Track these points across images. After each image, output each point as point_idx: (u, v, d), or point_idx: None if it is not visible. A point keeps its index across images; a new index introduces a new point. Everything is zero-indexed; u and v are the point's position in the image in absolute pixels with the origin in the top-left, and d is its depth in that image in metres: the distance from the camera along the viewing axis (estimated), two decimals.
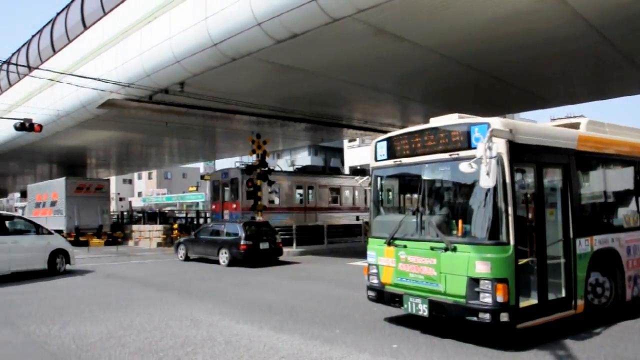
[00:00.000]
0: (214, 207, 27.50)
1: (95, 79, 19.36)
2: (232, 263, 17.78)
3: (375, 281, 8.39)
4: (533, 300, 7.11)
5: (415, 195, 8.18)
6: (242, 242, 17.75)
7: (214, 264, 18.34)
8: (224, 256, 18.12)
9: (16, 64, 28.85)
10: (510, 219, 6.74)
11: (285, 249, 19.79)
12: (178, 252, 20.36)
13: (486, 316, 6.68)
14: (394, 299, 7.97)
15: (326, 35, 13.98)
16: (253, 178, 23.92)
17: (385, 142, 8.57)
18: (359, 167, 38.89)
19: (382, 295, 8.24)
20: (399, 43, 14.94)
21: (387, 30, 14.15)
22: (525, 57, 16.22)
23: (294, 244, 22.50)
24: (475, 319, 6.80)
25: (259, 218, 23.01)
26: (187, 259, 19.82)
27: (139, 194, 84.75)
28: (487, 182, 6.39)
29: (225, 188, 26.81)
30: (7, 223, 15.15)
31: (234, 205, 25.70)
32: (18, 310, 10.33)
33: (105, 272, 16.36)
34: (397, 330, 8.07)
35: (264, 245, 18.22)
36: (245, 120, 23.96)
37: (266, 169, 24.30)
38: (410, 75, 18.66)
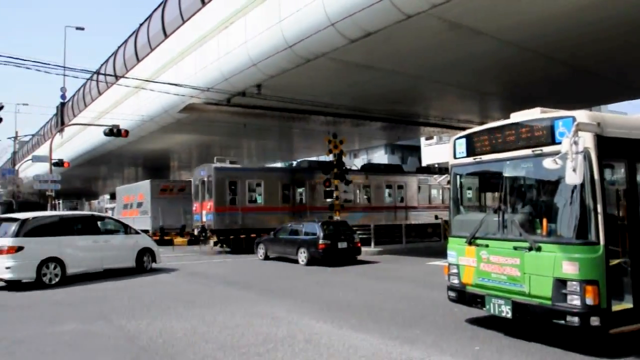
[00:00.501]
0: (194, 207, 25.64)
1: (176, 84, 20.14)
2: (310, 262, 17.95)
3: (455, 281, 8.21)
4: (627, 305, 6.65)
5: (497, 193, 7.93)
6: (321, 241, 17.89)
7: (293, 263, 18.59)
8: (302, 255, 18.33)
9: (104, 74, 30.52)
10: (600, 217, 6.38)
11: (363, 248, 19.74)
12: (258, 251, 20.80)
13: (574, 319, 6.36)
14: (476, 300, 7.77)
15: (400, 32, 13.84)
16: (330, 178, 24.04)
17: (464, 139, 8.36)
18: (436, 165, 38.00)
19: (463, 296, 8.05)
20: (475, 37, 14.57)
21: (463, 25, 13.83)
22: (613, 46, 15.36)
23: (372, 243, 22.41)
24: (562, 322, 6.48)
25: (336, 217, 23.12)
26: (266, 258, 20.21)
27: None
28: (573, 178, 6.09)
29: (203, 187, 25.01)
30: (99, 224, 16.03)
31: (208, 205, 24.34)
32: (110, 305, 10.92)
33: (189, 271, 16.96)
34: (479, 332, 7.85)
35: (342, 245, 18.28)
36: (321, 121, 24.14)
37: (342, 168, 24.34)
38: (487, 70, 18.14)
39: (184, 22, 22.09)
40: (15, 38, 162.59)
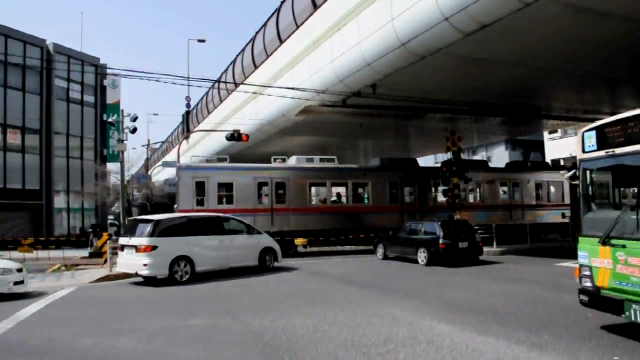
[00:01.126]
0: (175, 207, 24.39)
1: (292, 88, 20.68)
2: (430, 262, 17.66)
3: (588, 284, 7.65)
4: None
5: (633, 189, 7.29)
6: (441, 240, 17.56)
7: (412, 262, 18.39)
8: (422, 255, 18.08)
9: (225, 82, 32.06)
10: None
11: (485, 248, 19.09)
12: (377, 251, 20.81)
13: None
14: (612, 305, 7.18)
15: (518, 21, 13.20)
16: (448, 176, 23.48)
17: (594, 132, 7.77)
18: (562, 160, 35.76)
19: (597, 300, 7.48)
20: (602, 19, 13.51)
21: (588, 7, 12.87)
22: None
23: (494, 243, 21.59)
24: None
25: (457, 216, 22.55)
26: (385, 257, 20.16)
27: None
28: None
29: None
30: (224, 224, 16.87)
31: (175, 206, 23.44)
32: (236, 301, 11.45)
33: (309, 270, 17.34)
34: (618, 341, 7.25)
35: (462, 244, 17.81)
36: (437, 118, 23.66)
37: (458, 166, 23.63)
38: (617, 55, 16.77)
39: (297, 27, 22.61)
40: (142, 52, 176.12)
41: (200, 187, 22.40)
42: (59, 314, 10.87)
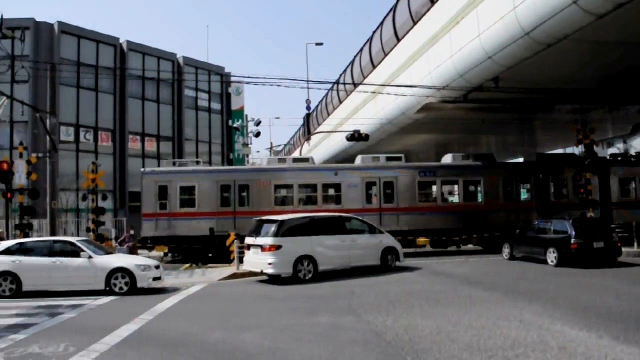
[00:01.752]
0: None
1: (411, 86, 20.46)
2: (560, 263, 16.58)
3: None
4: None
5: None
6: (573, 240, 16.43)
7: (541, 263, 17.38)
8: (551, 255, 17.04)
9: (344, 83, 32.46)
10: None
11: (624, 249, 17.57)
12: (503, 250, 19.94)
13: None
14: None
15: None
16: (581, 171, 21.89)
17: None
18: None
19: None
20: None
21: None
22: None
23: (635, 244, 19.82)
24: None
25: (589, 214, 21.03)
26: (512, 257, 19.25)
27: None
28: None
29: None
30: (346, 224, 17.02)
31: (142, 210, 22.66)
32: (358, 300, 11.49)
33: (432, 270, 17.00)
34: None
35: (597, 244, 16.51)
36: (566, 109, 22.19)
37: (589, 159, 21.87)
38: None
39: (414, 23, 22.33)
40: (262, 58, 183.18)
41: (162, 191, 22.35)
42: (192, 309, 11.58)
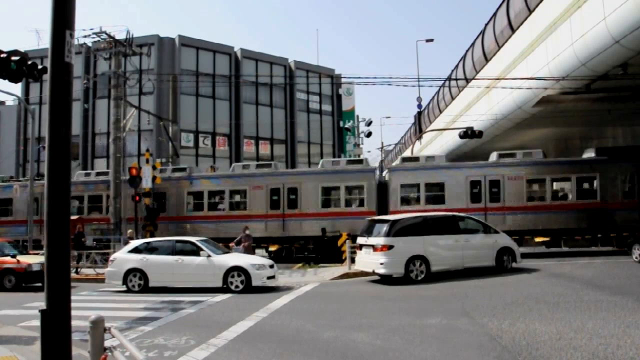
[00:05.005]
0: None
1: (527, 78, 19.47)
2: None
3: None
4: None
5: None
6: None
7: None
8: None
9: (456, 79, 31.62)
10: None
11: None
12: (632, 252, 18.32)
13: None
14: None
15: None
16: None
17: None
18: None
19: None
20: None
21: None
22: None
23: None
24: None
25: None
26: None
27: None
28: None
29: None
30: (459, 223, 16.54)
31: None
32: (472, 302, 11.11)
33: (551, 271, 16.03)
34: None
35: None
36: None
37: None
38: None
39: (530, 12, 21.25)
40: (372, 57, 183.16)
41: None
42: (304, 307, 11.79)
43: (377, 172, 24.29)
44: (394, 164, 25.15)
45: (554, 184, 22.64)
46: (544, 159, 22.68)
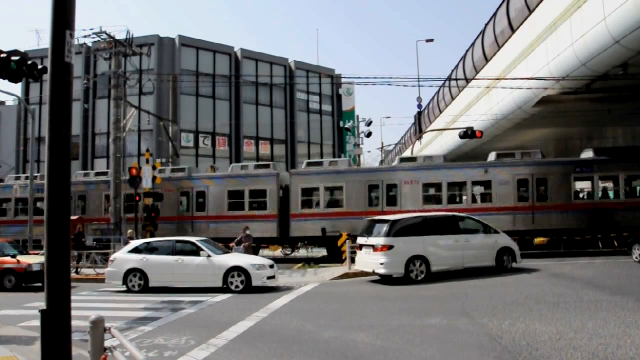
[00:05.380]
0: None
1: (527, 78, 19.47)
2: None
3: None
4: None
5: None
6: None
7: None
8: None
9: (456, 79, 31.60)
10: None
11: None
12: (632, 252, 18.32)
13: None
14: None
15: None
16: None
17: None
18: None
19: None
20: None
21: None
22: None
23: None
24: None
25: None
26: None
27: None
28: None
29: None
30: (459, 223, 16.53)
31: None
32: (472, 302, 11.11)
33: (551, 271, 16.02)
34: None
35: None
36: None
37: None
38: None
39: (530, 12, 21.24)
40: (371, 58, 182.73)
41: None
42: (305, 307, 11.79)
43: (282, 176, 24.53)
44: (297, 168, 25.55)
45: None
46: (441, 163, 23.28)
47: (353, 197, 22.69)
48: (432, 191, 22.84)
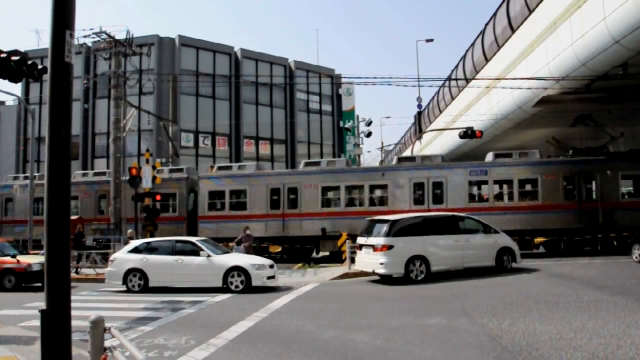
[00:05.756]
0: None
1: (527, 78, 19.47)
2: None
3: None
4: None
5: None
6: None
7: None
8: None
9: (456, 79, 31.61)
10: None
11: None
12: (632, 252, 18.32)
13: None
14: None
15: None
16: None
17: None
18: None
19: None
20: None
21: None
22: None
23: None
24: None
25: None
26: None
27: None
28: None
29: None
30: (459, 223, 16.53)
31: None
32: (472, 302, 11.11)
33: (551, 271, 16.02)
34: None
35: None
36: None
37: None
38: None
39: (530, 12, 21.25)
40: (372, 57, 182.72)
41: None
42: (304, 307, 11.79)
43: (193, 180, 25.12)
44: (206, 173, 26.06)
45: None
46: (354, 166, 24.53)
47: (256, 200, 23.39)
48: (330, 195, 23.38)
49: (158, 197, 21.61)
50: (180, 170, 25.47)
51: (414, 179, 22.34)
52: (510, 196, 22.02)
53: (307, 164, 24.43)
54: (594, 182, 21.42)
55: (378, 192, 23.19)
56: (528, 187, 22.10)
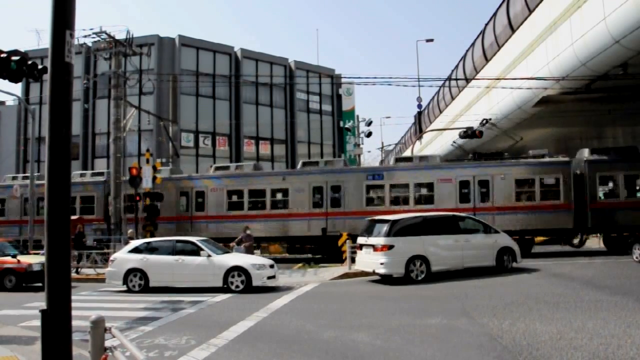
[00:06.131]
0: None
1: (527, 78, 19.47)
2: None
3: None
4: None
5: None
6: None
7: None
8: None
9: (456, 79, 31.62)
10: None
11: None
12: (633, 252, 18.32)
13: None
14: None
15: None
16: None
17: None
18: None
19: None
20: None
21: None
22: None
23: None
24: None
25: None
26: None
27: None
28: None
29: None
30: (459, 223, 16.53)
31: None
32: (472, 302, 11.10)
33: (551, 271, 16.03)
34: None
35: None
36: None
37: None
38: None
39: (530, 12, 21.26)
40: (372, 57, 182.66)
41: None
42: (305, 307, 11.79)
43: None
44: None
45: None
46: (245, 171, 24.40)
47: (166, 204, 23.82)
48: (235, 198, 24.03)
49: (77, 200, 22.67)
50: (100, 174, 26.29)
51: (314, 182, 23.04)
52: (406, 200, 22.28)
53: (217, 168, 25.46)
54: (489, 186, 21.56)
55: (279, 195, 23.82)
56: (424, 191, 22.51)
